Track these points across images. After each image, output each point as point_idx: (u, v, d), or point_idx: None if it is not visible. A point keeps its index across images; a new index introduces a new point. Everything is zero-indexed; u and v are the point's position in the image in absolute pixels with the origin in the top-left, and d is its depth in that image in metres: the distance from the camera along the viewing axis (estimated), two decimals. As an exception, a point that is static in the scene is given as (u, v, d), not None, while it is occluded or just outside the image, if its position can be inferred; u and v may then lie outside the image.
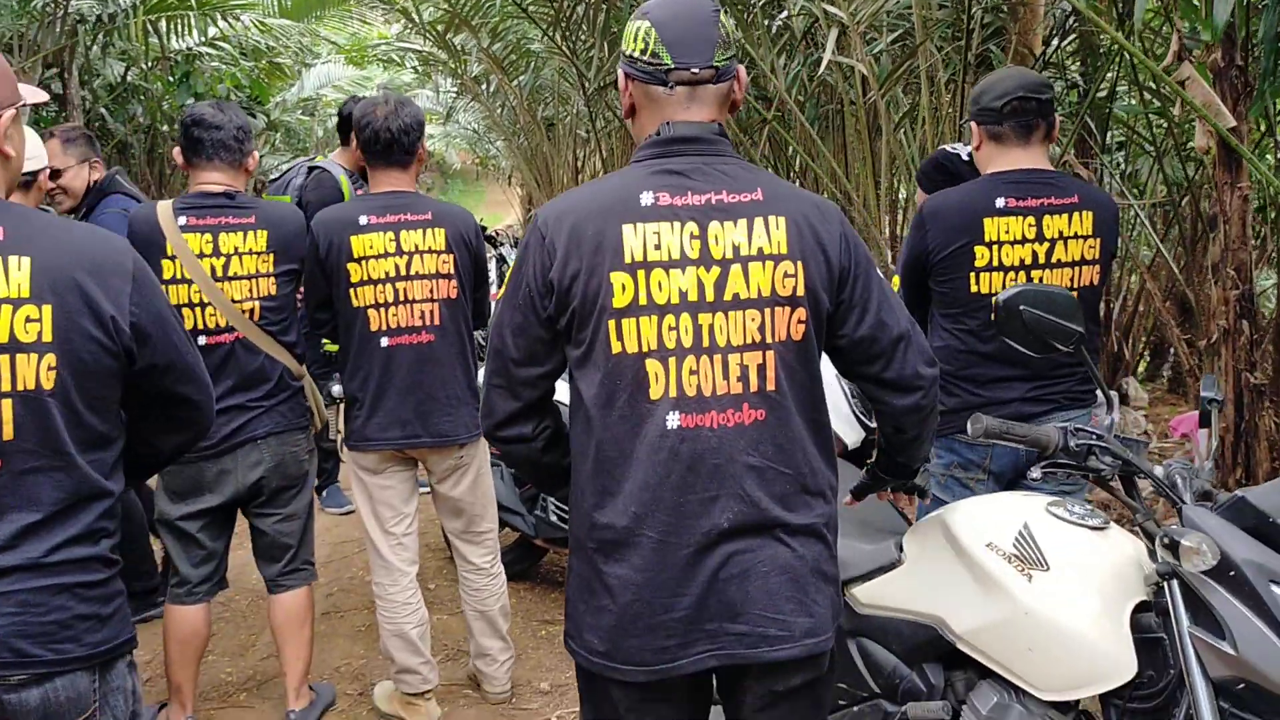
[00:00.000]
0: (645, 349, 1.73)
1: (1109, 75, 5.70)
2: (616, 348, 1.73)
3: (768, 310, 1.75)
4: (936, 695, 2.09)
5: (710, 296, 1.74)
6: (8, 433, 1.66)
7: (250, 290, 3.13)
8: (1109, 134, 6.37)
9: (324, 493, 5.54)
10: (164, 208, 3.12)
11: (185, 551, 3.23)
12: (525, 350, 1.82)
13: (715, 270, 1.74)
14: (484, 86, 12.19)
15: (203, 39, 11.58)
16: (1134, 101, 5.95)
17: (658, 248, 1.74)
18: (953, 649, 2.04)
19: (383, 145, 3.21)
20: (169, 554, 3.27)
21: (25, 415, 1.66)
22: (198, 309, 3.09)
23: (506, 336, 1.83)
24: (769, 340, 1.75)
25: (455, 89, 14.25)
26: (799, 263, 1.76)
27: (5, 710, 1.68)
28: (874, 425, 3.24)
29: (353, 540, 5.04)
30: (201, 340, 3.07)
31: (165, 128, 12.07)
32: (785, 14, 6.31)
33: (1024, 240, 2.69)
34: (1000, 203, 2.69)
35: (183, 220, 3.09)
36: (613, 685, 1.79)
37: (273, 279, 3.16)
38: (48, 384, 1.67)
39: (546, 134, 11.95)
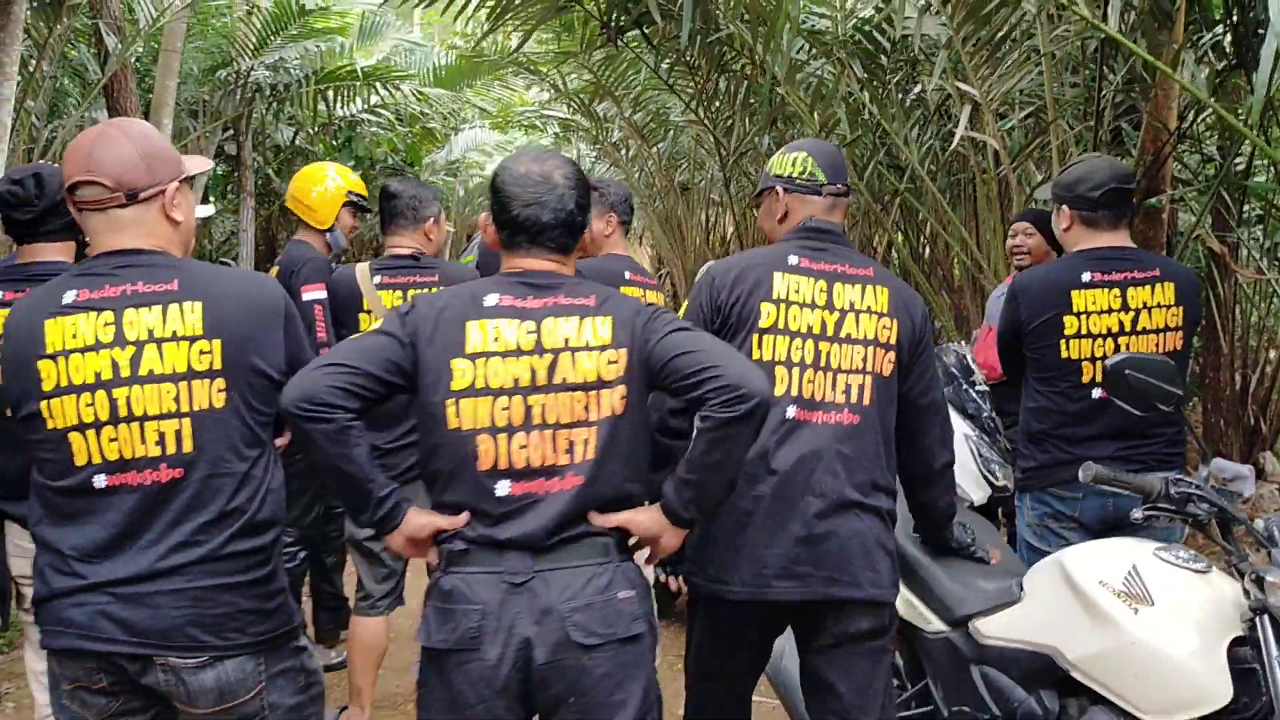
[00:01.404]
0: (776, 359, 2.44)
1: (1244, 149, 5.78)
2: (756, 355, 2.43)
3: (870, 349, 2.47)
4: (1051, 719, 2.31)
5: (830, 332, 2.47)
6: (188, 445, 2.00)
7: (435, 340, 3.55)
8: (1246, 207, 6.41)
9: None
10: (362, 269, 3.57)
11: (370, 569, 3.64)
12: None
13: (836, 314, 2.44)
14: (623, 152, 12.73)
15: (365, 106, 12.43)
16: (1269, 178, 6.01)
17: (797, 291, 2.43)
18: (1067, 676, 2.27)
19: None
20: (358, 571, 3.69)
21: (202, 431, 2.01)
22: (389, 356, 3.51)
23: None
24: (868, 368, 2.46)
25: (594, 154, 14.86)
26: (894, 320, 2.50)
27: (188, 688, 2.01)
28: (1000, 484, 3.47)
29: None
30: (390, 384, 3.49)
31: (325, 188, 12.92)
32: (919, 88, 6.59)
33: (1110, 310, 2.99)
34: (1086, 277, 3.02)
35: (378, 279, 3.54)
36: (723, 605, 2.43)
37: (454, 331, 3.57)
38: (219, 404, 2.03)
39: (681, 197, 12.39)
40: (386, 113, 12.91)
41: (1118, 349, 2.92)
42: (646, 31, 6.77)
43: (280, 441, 2.22)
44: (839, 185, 2.60)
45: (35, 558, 2.09)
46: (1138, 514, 2.23)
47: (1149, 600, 2.13)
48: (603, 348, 2.06)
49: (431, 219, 3.66)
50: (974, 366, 3.76)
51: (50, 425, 1.99)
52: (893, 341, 2.47)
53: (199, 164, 2.26)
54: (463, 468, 2.05)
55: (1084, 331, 3.00)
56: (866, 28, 6.40)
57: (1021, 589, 2.49)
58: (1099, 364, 2.94)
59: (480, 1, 6.43)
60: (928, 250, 8.61)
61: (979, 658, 2.48)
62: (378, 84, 11.80)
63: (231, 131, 11.19)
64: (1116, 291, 3.00)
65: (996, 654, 2.44)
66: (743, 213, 10.98)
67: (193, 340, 2.01)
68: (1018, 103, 5.77)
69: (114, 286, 2.02)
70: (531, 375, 2.04)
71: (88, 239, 2.13)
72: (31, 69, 7.90)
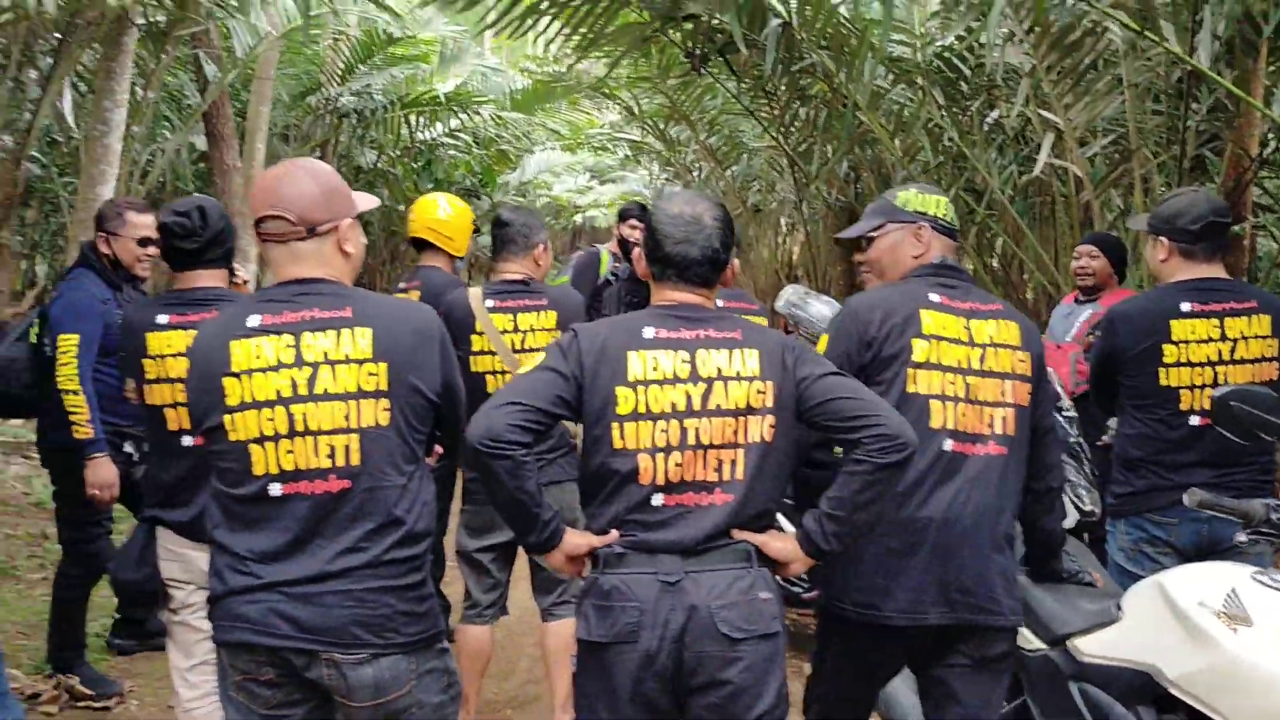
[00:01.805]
0: (931, 392, 2.51)
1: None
2: (911, 388, 2.50)
3: (1009, 381, 2.57)
4: (1150, 735, 2.41)
5: (976, 366, 2.55)
6: (355, 459, 2.17)
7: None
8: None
9: None
10: (475, 293, 3.77)
11: (478, 579, 3.82)
12: None
13: (978, 350, 2.55)
14: (694, 174, 12.92)
15: (445, 130, 12.79)
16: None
17: (944, 328, 2.53)
18: (1165, 694, 2.36)
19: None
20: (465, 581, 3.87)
21: (367, 446, 2.18)
22: (498, 375, 3.70)
23: None
24: (1009, 400, 2.56)
25: (666, 175, 15.07)
26: (1027, 353, 2.61)
27: (348, 682, 2.17)
28: (1088, 509, 3.56)
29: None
30: (499, 402, 3.68)
31: (402, 208, 13.30)
32: (997, 113, 6.68)
33: (1209, 340, 3.08)
34: (1186, 307, 3.11)
35: (490, 303, 3.73)
36: (873, 630, 2.51)
37: (560, 353, 3.76)
38: (384, 422, 2.19)
39: (753, 218, 12.54)
40: (465, 136, 13.26)
41: (1215, 378, 3.02)
42: (729, 59, 6.95)
43: (430, 460, 2.40)
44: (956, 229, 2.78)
45: (212, 559, 2.27)
46: (1241, 537, 2.33)
47: (1248, 620, 2.22)
48: (751, 379, 2.24)
49: (540, 246, 3.85)
50: (1061, 391, 3.85)
51: (232, 437, 2.18)
52: (1028, 374, 2.58)
53: (368, 201, 2.46)
54: (625, 482, 2.24)
55: (1183, 360, 3.09)
56: (947, 55, 6.52)
57: (1120, 609, 2.58)
58: (1197, 392, 3.05)
59: (569, 32, 6.66)
60: (1003, 272, 8.66)
61: (1078, 675, 2.58)
62: (458, 108, 12.12)
63: (319, 154, 11.58)
64: (1215, 321, 3.09)
65: (1095, 671, 2.54)
66: (812, 234, 11.10)
67: (362, 363, 2.19)
68: (1100, 130, 5.83)
69: (293, 312, 2.21)
70: (687, 401, 2.23)
71: (270, 267, 2.34)
72: (137, 96, 8.30)
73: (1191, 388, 3.08)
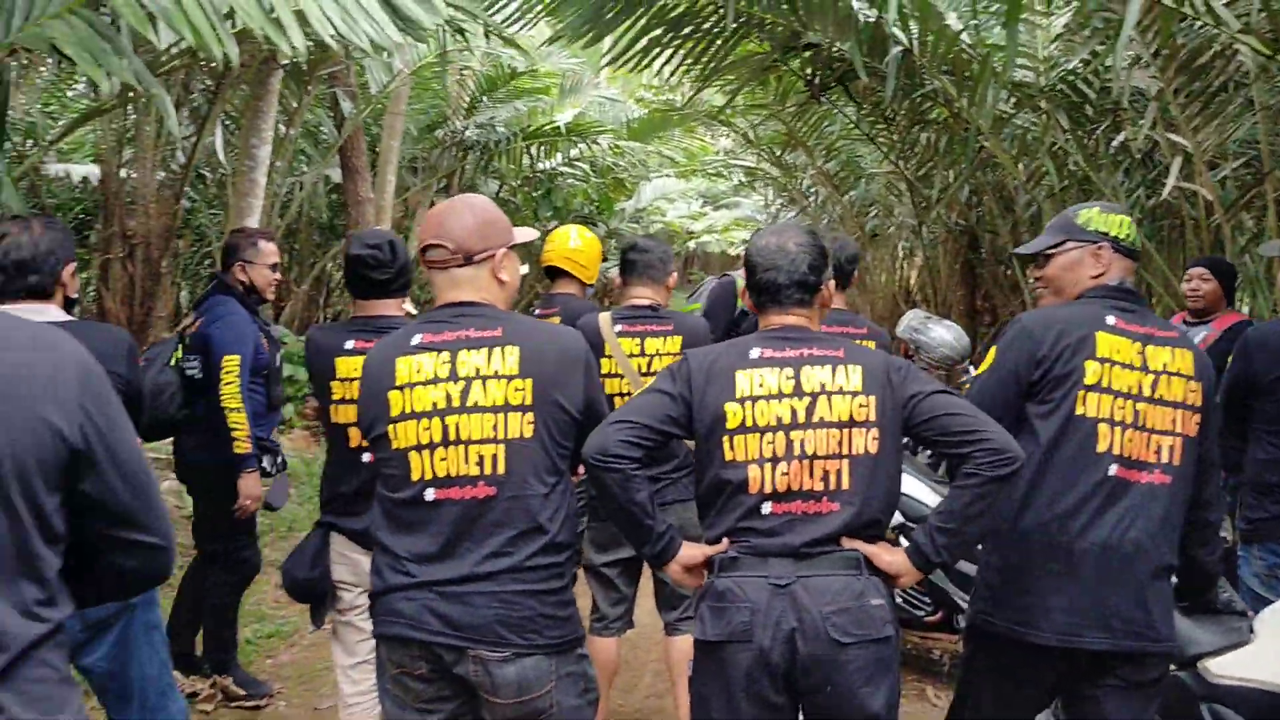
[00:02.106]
0: (1100, 416, 2.52)
1: None
2: (1080, 410, 2.52)
3: (1179, 411, 2.56)
4: (1284, 756, 2.41)
5: (1146, 393, 2.55)
6: (500, 468, 2.32)
7: (669, 384, 3.87)
8: None
9: None
10: (604, 318, 3.93)
11: (605, 593, 3.96)
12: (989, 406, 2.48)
13: (1151, 376, 2.57)
14: (811, 199, 12.97)
15: (564, 160, 13.11)
16: None
17: (1119, 352, 2.55)
18: (1299, 716, 2.36)
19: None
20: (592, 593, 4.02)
21: (512, 456, 2.34)
22: (625, 397, 3.85)
23: (982, 399, 2.53)
24: (1178, 430, 2.56)
25: (781, 200, 15.14)
26: (1199, 384, 2.58)
27: (493, 679, 2.31)
28: (1222, 536, 3.54)
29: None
30: (627, 424, 3.83)
31: (524, 236, 13.62)
32: (1123, 136, 6.61)
33: None
34: None
35: (619, 328, 3.89)
36: (1023, 649, 2.53)
37: (686, 376, 3.89)
38: (528, 434, 2.34)
39: (870, 242, 12.52)
40: (583, 165, 13.56)
41: None
42: (848, 86, 7.03)
43: (575, 476, 2.56)
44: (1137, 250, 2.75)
45: (374, 558, 2.46)
46: None
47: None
48: (854, 393, 2.36)
49: (673, 275, 4.01)
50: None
51: (394, 445, 2.37)
52: (1198, 404, 2.57)
53: (526, 235, 2.63)
54: (736, 492, 2.37)
55: None
56: (1071, 78, 6.48)
57: (1253, 631, 2.59)
58: None
59: (691, 63, 6.84)
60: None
61: (1208, 696, 2.58)
62: (577, 138, 12.43)
63: (445, 185, 12.01)
64: None
65: (1227, 692, 2.54)
66: (929, 259, 11.04)
67: (510, 379, 2.36)
68: (1231, 152, 5.74)
69: (451, 332, 2.41)
70: (792, 414, 2.35)
71: (433, 293, 2.53)
72: (280, 133, 8.78)
73: None
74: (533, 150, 12.39)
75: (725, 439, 2.36)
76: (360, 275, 3.23)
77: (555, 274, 4.61)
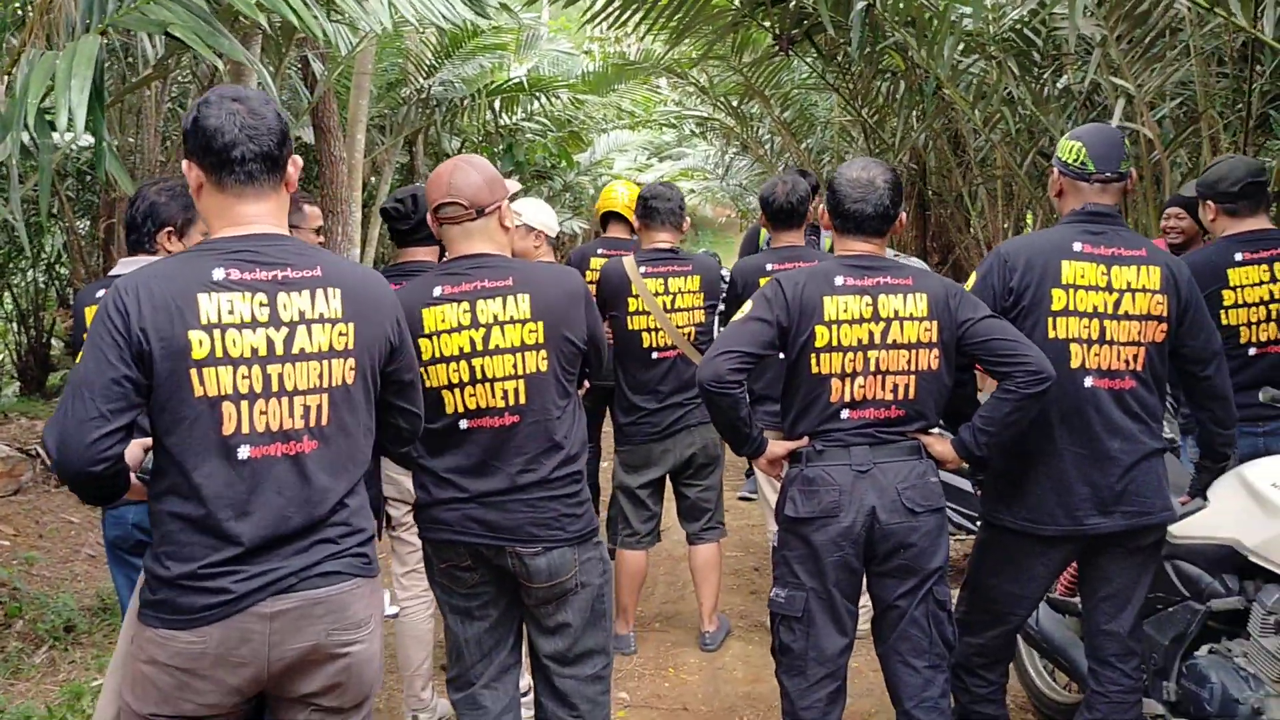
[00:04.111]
0: (1070, 337, 2.86)
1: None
2: (1051, 334, 2.85)
3: (1145, 324, 2.91)
4: (1233, 595, 2.95)
5: (1111, 311, 2.86)
6: (522, 399, 2.73)
7: (688, 319, 4.33)
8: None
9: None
10: (629, 261, 4.36)
11: (636, 510, 4.44)
12: None
13: (1114, 295, 2.87)
14: (767, 147, 13.39)
15: (524, 115, 13.36)
16: None
17: (1083, 276, 2.87)
18: (1246, 562, 2.90)
19: (783, 212, 4.39)
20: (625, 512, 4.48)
21: (530, 388, 2.73)
22: (652, 333, 4.30)
23: None
24: (1143, 340, 2.89)
25: (735, 149, 15.51)
26: (1165, 295, 2.92)
27: (528, 569, 2.76)
28: (1169, 437, 4.07)
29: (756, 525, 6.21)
30: (654, 355, 4.29)
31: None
32: (1066, 79, 7.11)
33: (1261, 282, 3.68)
34: (1239, 256, 3.70)
35: (643, 269, 4.32)
36: (1029, 539, 2.96)
37: (702, 310, 4.35)
38: (544, 368, 2.74)
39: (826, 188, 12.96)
40: (543, 120, 13.81)
41: (1268, 314, 3.68)
42: (815, 41, 7.45)
43: (580, 392, 2.96)
44: (1108, 172, 2.93)
45: (415, 476, 2.86)
46: None
47: (1314, 496, 2.76)
48: (921, 319, 2.82)
49: (687, 220, 4.45)
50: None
51: (428, 384, 2.71)
52: (1164, 314, 2.91)
53: (512, 186, 2.95)
54: (818, 400, 2.86)
55: (1239, 302, 3.70)
56: (1019, 26, 6.95)
57: (1206, 500, 3.12)
58: (1254, 328, 3.70)
59: (663, 21, 7.20)
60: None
61: (1170, 554, 3.12)
62: (539, 93, 12.68)
63: (410, 144, 12.22)
64: (1265, 266, 3.70)
65: (1186, 550, 3.07)
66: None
67: (524, 322, 2.73)
68: (1169, 94, 6.25)
69: (468, 283, 2.74)
70: (870, 336, 2.82)
71: (445, 245, 2.88)
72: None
73: (1249, 324, 3.68)
74: (495, 106, 12.63)
75: (812, 355, 2.83)
76: (390, 226, 3.64)
77: (608, 219, 5.29)
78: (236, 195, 2.09)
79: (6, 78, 3.33)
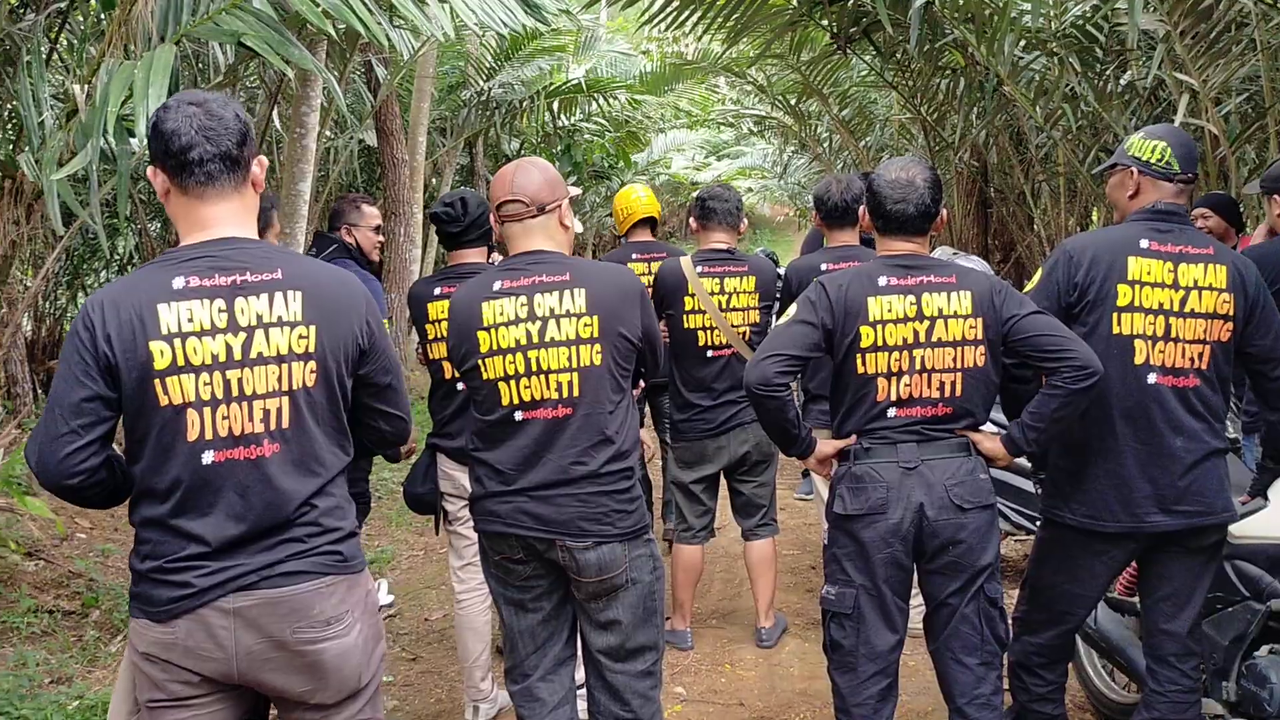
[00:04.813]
0: (1135, 333, 2.86)
1: None
2: (1116, 330, 2.85)
3: (1211, 322, 2.89)
4: (1294, 594, 2.93)
5: (1177, 308, 2.86)
6: (575, 391, 2.72)
7: (743, 318, 4.36)
8: None
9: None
10: (686, 261, 4.41)
11: (691, 506, 4.49)
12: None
13: (1181, 292, 2.87)
14: (825, 146, 13.36)
15: (583, 115, 13.48)
16: None
17: (1149, 273, 2.88)
18: (1308, 562, 2.88)
19: (838, 211, 4.41)
20: (679, 507, 4.53)
21: (584, 381, 2.74)
22: (708, 331, 4.34)
23: None
24: (1208, 339, 2.88)
25: (793, 147, 15.50)
26: (1231, 294, 2.91)
27: (579, 563, 2.75)
28: (1232, 436, 4.03)
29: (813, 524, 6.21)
30: (709, 354, 4.33)
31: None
32: (1129, 75, 7.02)
33: None
34: None
35: (699, 269, 4.36)
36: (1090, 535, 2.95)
37: (757, 310, 4.39)
38: (597, 362, 2.74)
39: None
40: (601, 120, 13.92)
41: None
42: (873, 39, 7.44)
43: (635, 391, 3.00)
44: (1189, 174, 2.96)
45: (470, 469, 2.90)
46: None
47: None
48: (966, 316, 2.82)
49: (744, 221, 4.49)
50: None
51: (485, 376, 2.77)
52: (1230, 313, 2.90)
53: (574, 190, 3.00)
54: (865, 399, 2.88)
55: None
56: (1081, 22, 6.88)
57: (1267, 500, 3.09)
58: None
59: (721, 21, 7.24)
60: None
61: (1231, 554, 3.09)
62: (597, 94, 12.79)
63: (471, 146, 12.40)
64: None
65: (1246, 549, 3.05)
66: (948, 202, 11.45)
67: (579, 316, 2.75)
68: (1234, 90, 6.16)
69: (527, 278, 2.78)
70: (915, 335, 2.83)
71: (506, 243, 2.91)
72: (326, 103, 9.17)
73: None
74: (554, 107, 12.76)
75: (858, 356, 2.85)
76: (439, 230, 3.73)
77: (637, 223, 5.26)
78: (199, 197, 2.12)
79: (87, 86, 3.47)
